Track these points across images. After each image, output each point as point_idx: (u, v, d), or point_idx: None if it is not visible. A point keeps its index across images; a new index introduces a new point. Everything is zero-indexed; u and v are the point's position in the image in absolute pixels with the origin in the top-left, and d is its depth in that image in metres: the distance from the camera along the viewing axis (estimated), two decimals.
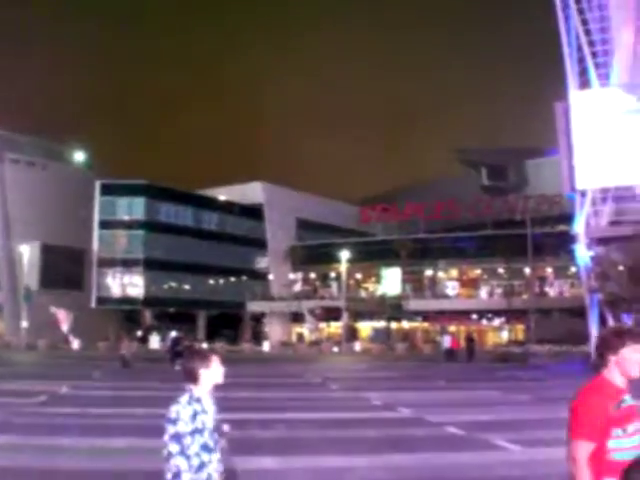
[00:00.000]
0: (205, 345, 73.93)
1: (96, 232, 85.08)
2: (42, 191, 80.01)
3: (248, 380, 29.08)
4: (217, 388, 5.56)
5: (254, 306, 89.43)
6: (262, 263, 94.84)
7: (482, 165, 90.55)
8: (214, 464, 5.30)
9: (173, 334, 46.13)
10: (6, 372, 35.02)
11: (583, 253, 47.97)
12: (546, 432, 15.79)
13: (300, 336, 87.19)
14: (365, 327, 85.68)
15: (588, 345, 47.57)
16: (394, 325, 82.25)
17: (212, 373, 5.44)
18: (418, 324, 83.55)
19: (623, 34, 47.49)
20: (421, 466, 12.05)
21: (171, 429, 5.24)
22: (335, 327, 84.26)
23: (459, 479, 11.36)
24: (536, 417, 18.72)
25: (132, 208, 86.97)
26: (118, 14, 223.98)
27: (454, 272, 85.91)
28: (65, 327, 70.96)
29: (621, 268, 42.09)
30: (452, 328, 75.95)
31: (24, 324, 69.64)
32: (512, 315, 73.22)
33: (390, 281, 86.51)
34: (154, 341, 71.58)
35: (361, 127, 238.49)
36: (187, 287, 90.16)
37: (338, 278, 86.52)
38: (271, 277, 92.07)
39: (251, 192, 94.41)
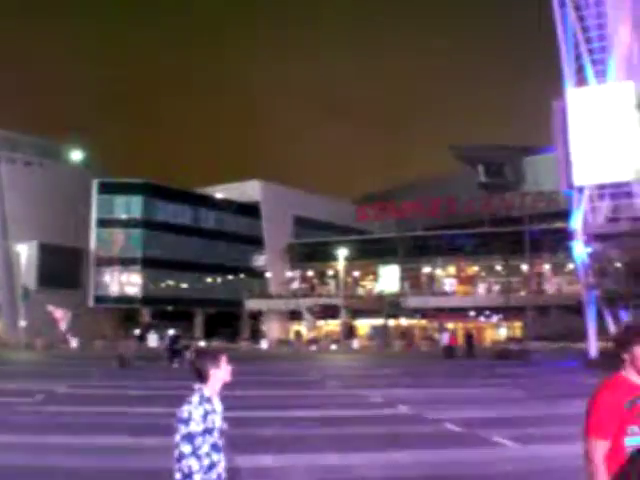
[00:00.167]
0: (203, 343, 74.10)
1: (94, 231, 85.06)
2: (39, 190, 79.95)
3: (246, 378, 29.07)
4: (228, 388, 5.61)
5: (252, 304, 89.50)
6: (260, 261, 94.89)
7: (479, 162, 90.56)
8: (222, 463, 5.35)
9: (171, 332, 46.05)
10: (4, 371, 35.05)
11: (580, 250, 47.97)
12: (544, 429, 15.86)
13: (298, 334, 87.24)
14: (363, 325, 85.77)
15: (585, 342, 47.64)
16: (392, 323, 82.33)
17: (222, 372, 5.49)
18: (416, 321, 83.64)
19: (620, 30, 47.48)
20: (420, 463, 12.08)
21: (183, 429, 5.23)
22: (333, 325, 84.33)
23: (458, 476, 11.38)
24: (534, 414, 18.77)
25: (130, 207, 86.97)
26: (113, 11, 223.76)
27: (452, 269, 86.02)
28: (63, 326, 70.89)
29: (619, 265, 42.14)
30: (450, 325, 76.03)
31: (22, 323, 69.60)
32: (510, 312, 73.32)
33: (388, 279, 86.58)
34: (152, 340, 71.56)
35: (359, 125, 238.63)
36: (185, 285, 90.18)
37: (336, 276, 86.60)
38: (269, 275, 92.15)
39: (248, 190, 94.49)
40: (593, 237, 47.10)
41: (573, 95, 48.88)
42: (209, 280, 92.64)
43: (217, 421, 5.33)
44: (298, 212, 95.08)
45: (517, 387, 27.22)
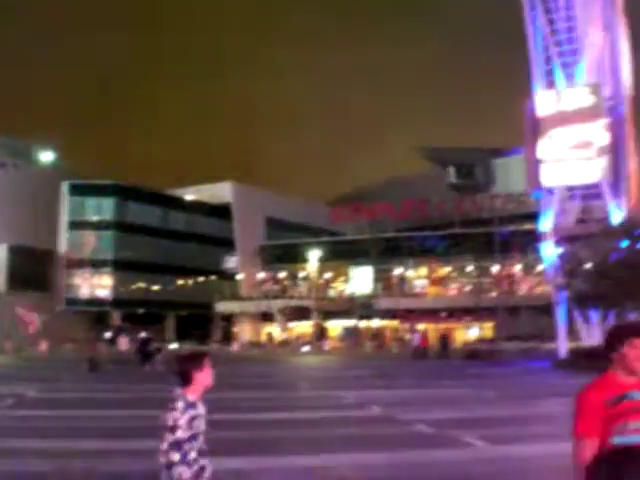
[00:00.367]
0: (174, 346, 73.76)
1: (65, 233, 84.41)
2: (9, 192, 79.22)
3: (217, 381, 28.89)
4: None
5: (223, 306, 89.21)
6: (231, 263, 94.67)
7: (450, 164, 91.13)
8: (209, 468, 5.34)
9: (142, 335, 45.80)
10: None
11: (550, 251, 48.43)
12: (515, 429, 15.98)
13: (270, 336, 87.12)
14: (335, 326, 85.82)
15: (556, 342, 48.06)
16: (364, 324, 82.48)
17: (205, 375, 5.43)
18: (388, 322, 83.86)
19: (590, 34, 47.97)
20: (392, 464, 12.11)
21: (170, 437, 5.16)
22: (305, 326, 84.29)
23: (429, 476, 11.43)
24: (505, 414, 18.90)
25: (101, 208, 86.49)
26: (86, 13, 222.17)
27: (423, 270, 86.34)
28: (33, 329, 70.26)
29: (588, 265, 42.46)
30: (422, 326, 76.32)
31: None
32: (481, 313, 73.76)
33: (360, 280, 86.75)
34: (123, 343, 71.03)
35: (331, 126, 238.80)
36: (156, 288, 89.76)
37: (308, 277, 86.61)
38: (240, 277, 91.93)
39: (220, 192, 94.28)
40: (563, 238, 47.55)
41: (542, 97, 49.33)
42: (180, 282, 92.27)
43: (202, 425, 5.30)
44: (270, 214, 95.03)
45: (488, 387, 27.36)
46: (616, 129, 47.29)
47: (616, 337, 4.50)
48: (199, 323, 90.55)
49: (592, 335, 46.04)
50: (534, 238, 54.34)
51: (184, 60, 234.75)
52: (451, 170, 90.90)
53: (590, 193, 48.37)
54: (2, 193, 78.59)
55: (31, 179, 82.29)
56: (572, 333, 48.47)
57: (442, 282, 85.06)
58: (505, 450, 13.22)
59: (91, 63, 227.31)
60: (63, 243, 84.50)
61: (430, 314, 78.59)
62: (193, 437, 5.19)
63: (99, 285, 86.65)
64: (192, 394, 5.33)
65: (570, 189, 49.16)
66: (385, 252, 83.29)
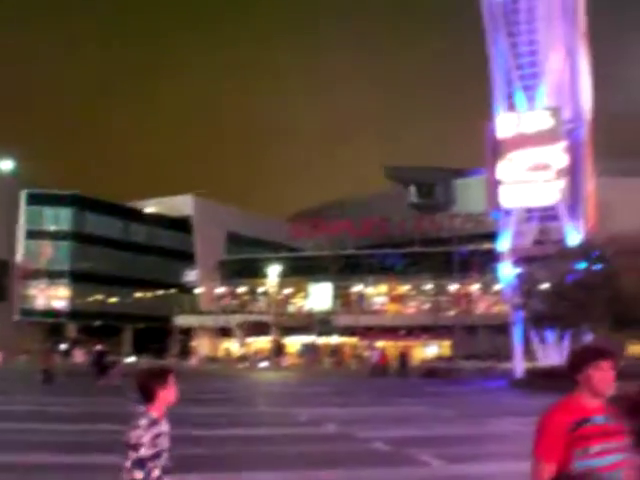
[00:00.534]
0: (131, 359, 73.01)
1: (22, 242, 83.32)
2: None
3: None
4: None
5: (181, 320, 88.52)
6: (191, 276, 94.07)
7: (411, 183, 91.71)
8: None
9: (98, 348, 45.31)
10: None
11: (508, 271, 48.92)
12: (471, 447, 16.05)
13: (228, 351, 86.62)
14: (294, 342, 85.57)
15: (512, 362, 48.46)
16: (323, 340, 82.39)
17: (168, 393, 5.29)
18: (347, 339, 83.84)
19: (551, 58, 48.74)
20: None
21: (133, 455, 5.05)
22: (263, 342, 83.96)
23: None
24: (461, 433, 18.98)
25: (59, 218, 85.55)
26: (42, 19, 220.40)
27: (383, 288, 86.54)
28: None
29: (544, 286, 42.97)
30: (380, 344, 76.42)
31: None
32: (439, 331, 74.10)
33: (319, 296, 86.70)
34: (78, 355, 70.23)
35: (293, 142, 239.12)
36: (114, 300, 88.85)
37: (267, 293, 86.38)
38: (199, 291, 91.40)
39: (181, 205, 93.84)
40: (520, 259, 48.09)
41: (503, 119, 49.97)
42: (138, 295, 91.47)
43: (165, 442, 5.20)
44: (231, 228, 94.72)
45: (445, 406, 27.48)
46: (574, 152, 48.07)
47: (582, 358, 4.48)
48: (157, 337, 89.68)
49: (548, 355, 46.56)
50: (492, 258, 54.92)
51: (144, 72, 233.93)
52: (412, 189, 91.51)
53: (548, 215, 49.05)
54: None
55: None
56: (528, 353, 48.93)
57: (401, 300, 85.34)
58: (461, 469, 13.26)
59: (53, 73, 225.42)
60: (20, 253, 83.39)
61: (389, 332, 78.73)
62: (157, 455, 5.08)
63: (55, 296, 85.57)
64: (155, 411, 5.22)
65: (528, 210, 49.80)
66: (345, 269, 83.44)
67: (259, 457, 14.74)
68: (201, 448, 15.51)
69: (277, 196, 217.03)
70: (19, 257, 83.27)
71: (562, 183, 47.60)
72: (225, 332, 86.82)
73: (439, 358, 71.34)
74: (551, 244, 47.34)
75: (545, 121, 48.41)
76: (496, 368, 53.19)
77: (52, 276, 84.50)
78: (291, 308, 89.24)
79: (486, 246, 66.20)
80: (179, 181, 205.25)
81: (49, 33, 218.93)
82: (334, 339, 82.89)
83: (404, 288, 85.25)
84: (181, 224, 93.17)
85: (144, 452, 5.02)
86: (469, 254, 70.60)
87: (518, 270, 47.47)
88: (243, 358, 78.70)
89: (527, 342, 48.31)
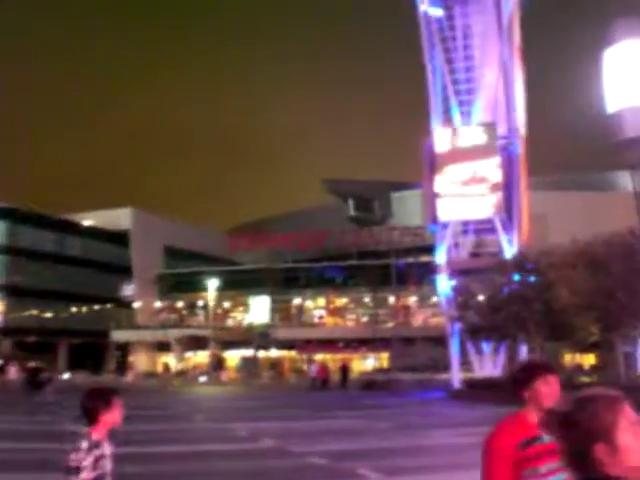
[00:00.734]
0: (66, 376, 71.80)
1: None
2: None
3: None
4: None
5: (118, 335, 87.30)
6: (128, 291, 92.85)
7: (349, 196, 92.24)
8: None
9: (32, 364, 44.44)
10: None
11: (444, 283, 49.49)
12: (409, 459, 16.19)
13: (166, 366, 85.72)
14: (233, 356, 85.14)
15: (449, 373, 49.00)
16: (262, 354, 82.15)
17: (112, 416, 5.16)
18: (286, 353, 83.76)
19: (487, 74, 49.60)
20: None
21: (73, 479, 4.92)
22: (202, 356, 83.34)
23: None
24: (399, 445, 19.11)
25: None
26: None
27: (321, 301, 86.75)
28: None
29: (481, 298, 43.56)
30: (319, 356, 76.54)
31: None
32: (377, 343, 74.47)
33: (258, 310, 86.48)
34: (12, 372, 68.66)
35: (232, 155, 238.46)
36: (49, 315, 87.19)
37: (206, 307, 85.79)
38: (137, 305, 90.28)
39: (119, 218, 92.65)
40: (456, 271, 48.71)
41: (440, 134, 50.64)
42: (74, 310, 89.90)
43: (107, 465, 5.07)
44: (169, 242, 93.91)
45: (383, 418, 27.62)
46: (509, 166, 48.94)
47: (529, 373, 4.30)
48: (93, 352, 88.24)
49: (484, 366, 47.22)
50: (430, 270, 55.53)
51: (88, 88, 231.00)
52: (350, 203, 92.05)
53: (483, 228, 49.80)
54: None
55: None
56: (465, 364, 49.53)
57: (340, 313, 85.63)
58: None
59: None
60: None
61: (327, 344, 78.93)
62: (98, 478, 4.97)
63: None
64: (97, 433, 5.09)
65: (464, 223, 50.49)
66: (283, 282, 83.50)
67: (198, 474, 14.65)
68: (139, 466, 15.34)
69: (216, 209, 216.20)
70: None
71: (497, 197, 48.42)
72: (163, 347, 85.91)
73: (377, 370, 71.71)
74: (487, 257, 48.05)
75: (480, 136, 49.23)
76: (434, 379, 53.71)
77: None
78: (230, 322, 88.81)
79: (423, 259, 66.92)
80: (117, 194, 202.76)
81: None
82: (273, 353, 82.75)
83: (342, 301, 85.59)
84: (118, 237, 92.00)
85: (85, 476, 4.90)
86: (407, 267, 71.26)
87: (454, 282, 48.08)
88: (181, 373, 77.96)
89: (464, 353, 48.91)
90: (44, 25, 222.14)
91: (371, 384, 54.11)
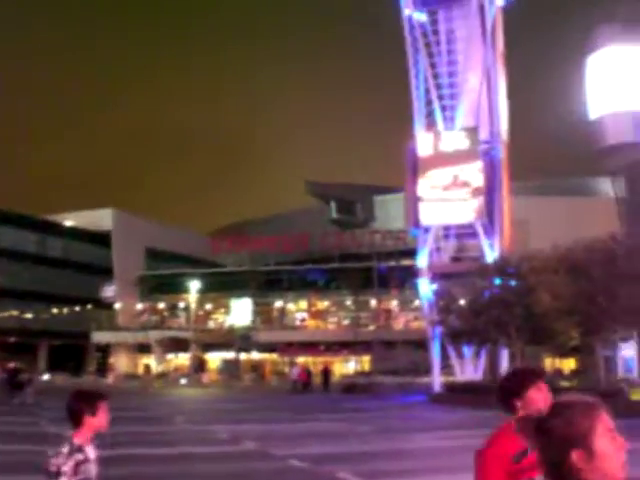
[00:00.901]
0: (46, 377, 71.40)
1: None
2: None
3: None
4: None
5: (99, 336, 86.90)
6: (109, 292, 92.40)
7: (332, 199, 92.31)
8: None
9: (12, 365, 44.18)
10: None
11: (426, 287, 49.61)
12: (389, 463, 16.23)
13: (147, 367, 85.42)
14: (214, 358, 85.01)
15: (430, 376, 49.12)
16: (243, 357, 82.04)
17: (98, 420, 5.02)
18: (267, 355, 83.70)
19: (469, 79, 49.79)
20: None
21: None
22: (183, 358, 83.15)
23: None
24: (379, 448, 19.14)
25: None
26: None
27: (303, 304, 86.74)
28: None
29: (462, 302, 43.71)
30: (301, 359, 76.55)
31: None
32: (358, 346, 74.56)
33: (240, 312, 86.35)
34: None
35: (214, 157, 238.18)
36: (29, 316, 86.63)
37: (187, 309, 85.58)
38: (118, 306, 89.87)
39: (100, 219, 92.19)
40: (438, 275, 48.85)
41: (423, 138, 50.77)
42: (55, 311, 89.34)
43: (91, 470, 4.92)
44: (151, 243, 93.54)
45: (364, 422, 27.67)
46: (491, 171, 49.12)
47: (520, 382, 4.16)
48: (73, 353, 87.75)
49: (465, 370, 47.38)
50: (411, 274, 55.66)
51: (65, 87, 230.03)
52: (333, 205, 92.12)
53: (465, 232, 49.94)
54: None
55: None
56: (446, 368, 49.68)
57: (321, 316, 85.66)
58: None
59: None
60: None
61: (309, 347, 78.95)
62: None
63: None
64: (81, 437, 4.96)
65: (446, 228, 50.64)
66: (265, 285, 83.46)
67: (179, 476, 14.64)
68: (120, 468, 15.30)
69: (198, 211, 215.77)
70: None
71: (478, 201, 48.61)
72: (144, 348, 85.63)
73: (358, 373, 71.81)
74: (468, 261, 48.23)
75: (462, 141, 49.38)
76: (415, 383, 53.85)
77: None
78: (212, 324, 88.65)
79: (405, 262, 67.05)
80: (98, 195, 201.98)
81: None
82: (255, 355, 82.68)
83: (324, 304, 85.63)
84: (100, 238, 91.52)
85: None
86: (388, 270, 71.40)
87: (436, 286, 48.23)
88: (162, 375, 77.73)
89: (445, 357, 49.05)
90: (44, 25, 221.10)
91: (352, 387, 54.17)
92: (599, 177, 79.19)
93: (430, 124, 51.20)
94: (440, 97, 50.56)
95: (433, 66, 50.73)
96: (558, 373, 55.85)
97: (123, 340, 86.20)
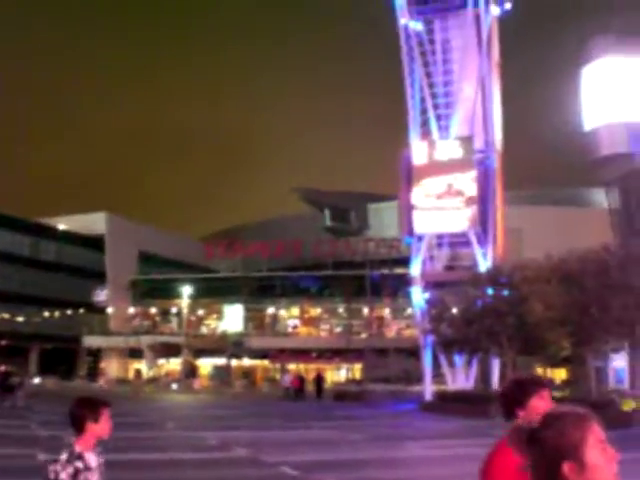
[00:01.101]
0: (37, 380, 71.18)
1: None
2: None
3: None
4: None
5: (90, 340, 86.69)
6: (101, 296, 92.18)
7: (326, 206, 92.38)
8: None
9: (3, 368, 44.03)
10: None
11: (418, 296, 49.64)
12: (380, 471, 16.20)
13: (138, 372, 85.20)
14: (206, 364, 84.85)
15: (421, 385, 49.11)
16: (235, 363, 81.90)
17: (100, 427, 4.97)
18: (259, 362, 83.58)
19: (464, 88, 49.94)
20: None
21: None
22: (174, 364, 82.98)
23: None
24: (369, 456, 19.12)
25: None
26: None
27: (295, 310, 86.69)
28: None
29: (454, 311, 43.73)
30: (292, 366, 76.46)
31: None
32: (350, 354, 74.48)
33: (232, 318, 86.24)
34: None
35: (210, 160, 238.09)
36: (20, 319, 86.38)
37: (179, 314, 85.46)
38: (110, 311, 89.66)
39: (93, 222, 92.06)
40: (431, 284, 48.88)
41: (417, 147, 50.87)
42: (46, 314, 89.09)
43: (92, 478, 4.84)
44: (144, 247, 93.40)
45: (355, 429, 27.64)
46: (484, 181, 49.22)
47: (524, 391, 4.06)
48: (64, 357, 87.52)
49: (456, 379, 47.41)
50: (404, 282, 55.71)
51: (59, 89, 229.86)
52: (327, 213, 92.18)
53: (458, 241, 50.00)
54: None
55: None
56: (438, 376, 49.69)
57: (313, 323, 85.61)
58: None
59: None
60: None
61: (301, 354, 78.85)
62: None
63: None
64: (82, 444, 4.89)
65: (439, 236, 50.70)
66: (258, 291, 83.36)
67: None
68: (111, 474, 15.22)
69: (191, 216, 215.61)
70: None
71: (472, 211, 48.69)
72: (135, 353, 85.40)
73: (350, 381, 71.75)
74: (461, 270, 48.27)
75: (457, 150, 49.48)
76: (406, 391, 53.81)
77: None
78: (204, 330, 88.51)
79: (398, 271, 67.07)
80: (93, 197, 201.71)
81: None
82: (246, 361, 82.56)
83: (317, 311, 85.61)
84: (93, 242, 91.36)
85: None
86: (381, 278, 71.39)
87: (428, 295, 48.26)
88: (153, 380, 77.54)
89: (436, 366, 49.06)
90: (44, 25, 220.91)
91: (343, 395, 54.09)
92: (593, 188, 79.38)
93: (425, 133, 51.31)
94: (435, 106, 50.67)
95: (429, 75, 50.85)
96: (550, 383, 55.83)
97: (114, 344, 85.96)
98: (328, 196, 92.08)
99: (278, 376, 73.69)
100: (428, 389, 47.66)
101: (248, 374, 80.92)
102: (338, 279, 79.11)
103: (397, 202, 55.45)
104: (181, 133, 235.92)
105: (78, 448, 4.86)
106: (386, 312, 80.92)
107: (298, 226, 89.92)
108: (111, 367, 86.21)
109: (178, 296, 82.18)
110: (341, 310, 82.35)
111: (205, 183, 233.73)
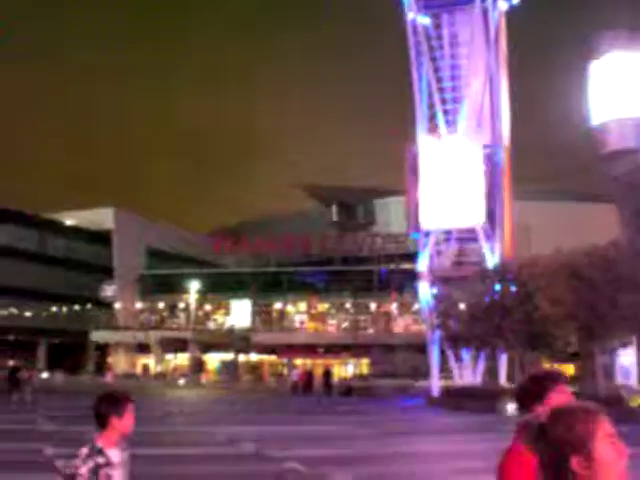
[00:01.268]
0: (45, 375, 71.39)
1: None
2: None
3: (86, 413, 28.15)
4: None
5: (98, 335, 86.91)
6: (109, 291, 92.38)
7: (333, 202, 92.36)
8: None
9: (11, 363, 44.19)
10: None
11: (426, 291, 49.55)
12: (388, 466, 16.19)
13: (146, 367, 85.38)
14: (213, 359, 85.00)
15: (428, 380, 49.08)
16: (242, 358, 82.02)
17: (124, 423, 4.91)
18: (266, 357, 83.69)
19: (472, 83, 49.80)
20: None
21: None
22: (182, 359, 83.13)
23: None
24: (378, 452, 19.11)
25: None
26: None
27: (303, 306, 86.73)
28: None
29: (462, 306, 43.63)
30: (299, 361, 76.53)
31: None
32: (358, 349, 74.56)
33: (239, 313, 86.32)
34: None
35: (215, 159, 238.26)
36: (28, 314, 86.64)
37: (187, 309, 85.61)
38: (117, 306, 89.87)
39: (101, 218, 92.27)
40: (438, 279, 48.80)
41: (424, 142, 50.74)
42: (54, 309, 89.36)
43: (115, 475, 4.78)
44: (152, 243, 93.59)
45: (362, 424, 27.63)
46: (492, 176, 49.10)
47: (542, 387, 4.01)
48: (72, 352, 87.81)
49: (463, 375, 47.35)
50: (411, 278, 55.64)
51: (60, 85, 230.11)
52: (334, 208, 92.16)
53: (466, 237, 49.89)
54: None
55: None
56: (445, 372, 49.65)
57: (321, 318, 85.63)
58: None
59: None
60: None
61: (308, 349, 78.92)
62: None
63: None
64: (105, 440, 4.83)
65: (447, 232, 50.59)
66: (265, 286, 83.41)
67: (176, 477, 14.61)
68: None
69: (199, 212, 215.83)
70: None
71: (480, 206, 48.56)
72: (143, 348, 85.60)
73: (357, 376, 71.79)
74: (469, 265, 48.15)
75: (464, 145, 49.36)
76: (413, 386, 53.78)
77: None
78: (211, 325, 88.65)
79: (405, 266, 67.03)
80: (100, 194, 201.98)
81: None
82: (253, 356, 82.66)
83: (324, 306, 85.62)
84: (101, 237, 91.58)
85: None
86: (389, 273, 71.37)
87: (436, 290, 48.17)
88: (161, 375, 77.69)
89: (444, 361, 49.01)
90: (44, 25, 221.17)
91: (351, 390, 54.10)
92: (601, 183, 79.13)
93: (432, 127, 51.17)
94: (443, 100, 50.51)
95: (436, 70, 50.69)
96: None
97: (122, 339, 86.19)
98: (335, 192, 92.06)
99: (285, 371, 73.75)
100: (435, 384, 47.61)
101: (255, 369, 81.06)
102: (345, 274, 79.13)
103: (404, 197, 55.35)
104: (185, 130, 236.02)
105: (100, 443, 4.81)
106: (393, 307, 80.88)
107: (305, 221, 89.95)
108: (119, 362, 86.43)
109: (186, 291, 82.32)
110: (348, 305, 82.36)
111: (213, 179, 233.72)
